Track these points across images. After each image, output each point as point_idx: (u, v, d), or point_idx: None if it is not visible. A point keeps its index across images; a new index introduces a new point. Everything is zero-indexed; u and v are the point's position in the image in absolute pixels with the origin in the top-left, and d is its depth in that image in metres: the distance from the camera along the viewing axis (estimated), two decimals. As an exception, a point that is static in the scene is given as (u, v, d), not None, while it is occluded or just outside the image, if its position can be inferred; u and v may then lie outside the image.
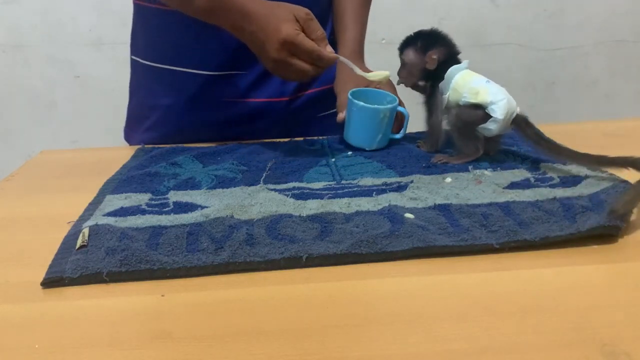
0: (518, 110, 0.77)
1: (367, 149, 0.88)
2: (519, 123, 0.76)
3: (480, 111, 0.77)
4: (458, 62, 0.82)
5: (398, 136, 0.91)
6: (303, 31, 0.79)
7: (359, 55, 1.01)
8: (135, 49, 1.03)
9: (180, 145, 0.94)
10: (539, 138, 0.76)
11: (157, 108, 1.00)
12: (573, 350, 0.43)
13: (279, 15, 0.79)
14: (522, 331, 0.46)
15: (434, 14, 1.97)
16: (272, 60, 0.80)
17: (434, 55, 0.82)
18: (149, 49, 0.99)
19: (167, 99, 0.98)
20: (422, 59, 0.83)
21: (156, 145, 0.96)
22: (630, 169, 0.68)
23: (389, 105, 0.87)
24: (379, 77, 0.86)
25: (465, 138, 0.79)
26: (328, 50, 0.81)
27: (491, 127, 0.76)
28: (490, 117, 0.76)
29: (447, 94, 0.80)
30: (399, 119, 0.92)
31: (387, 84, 0.94)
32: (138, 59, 1.02)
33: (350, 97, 0.87)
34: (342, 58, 0.83)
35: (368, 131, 0.88)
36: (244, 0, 0.81)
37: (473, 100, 0.77)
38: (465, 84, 0.78)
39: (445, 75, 0.80)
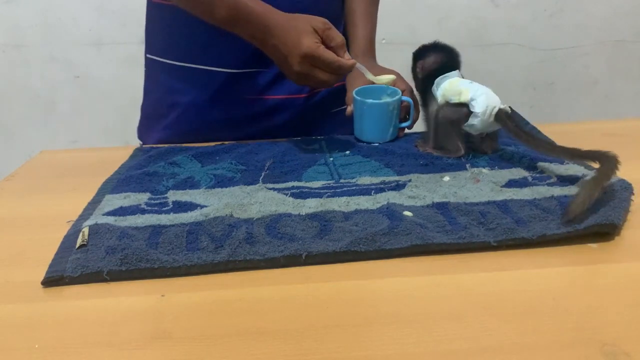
0: (502, 105, 0.78)
1: (381, 142, 0.91)
2: (501, 117, 0.78)
3: (464, 109, 0.80)
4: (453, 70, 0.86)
5: (406, 124, 0.94)
6: (322, 41, 0.82)
7: (370, 53, 1.03)
8: (151, 47, 1.03)
9: (178, 145, 0.94)
10: (518, 130, 0.77)
11: (177, 106, 1.00)
12: (573, 350, 0.43)
13: (299, 29, 0.81)
14: (522, 331, 0.46)
15: (434, 14, 1.97)
16: (295, 73, 0.83)
17: (419, 67, 0.89)
18: (168, 48, 1.00)
19: (187, 96, 0.99)
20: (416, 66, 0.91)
21: (154, 145, 0.96)
22: (598, 162, 0.68)
23: (395, 97, 0.90)
24: (386, 80, 0.90)
25: (448, 135, 0.82)
26: (346, 57, 0.83)
27: (474, 122, 0.79)
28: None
29: (439, 99, 0.83)
30: (405, 109, 0.94)
31: (400, 79, 0.96)
32: (155, 58, 1.02)
33: (356, 96, 0.90)
34: (358, 65, 0.86)
35: (381, 126, 0.91)
36: (263, 12, 0.83)
37: (456, 100, 0.80)
38: (452, 88, 0.82)
39: (435, 82, 0.84)
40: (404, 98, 0.92)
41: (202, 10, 0.88)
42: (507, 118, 0.77)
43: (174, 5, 0.93)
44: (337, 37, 0.82)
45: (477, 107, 0.78)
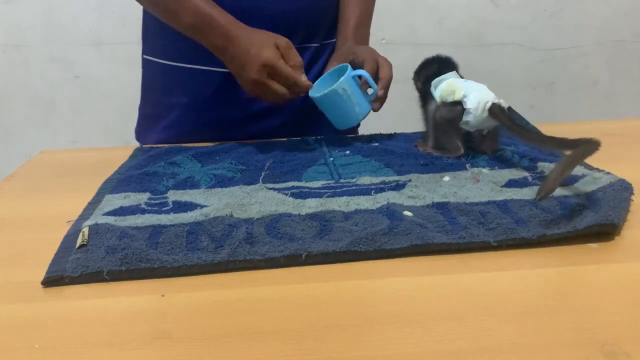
0: (496, 100, 0.78)
1: (355, 124, 0.92)
2: (495, 111, 0.77)
3: (459, 107, 0.80)
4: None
5: (372, 96, 0.91)
6: (282, 58, 0.85)
7: (353, 39, 1.02)
8: (148, 48, 1.03)
9: (178, 145, 0.94)
10: (511, 124, 0.77)
11: (175, 107, 1.00)
12: (573, 350, 0.43)
13: (262, 41, 0.85)
14: (522, 331, 0.46)
15: (434, 14, 1.97)
16: (251, 81, 0.86)
17: (418, 81, 0.91)
18: (165, 49, 1.00)
19: (184, 97, 0.99)
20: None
21: (154, 145, 0.96)
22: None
23: (341, 79, 0.87)
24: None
25: (447, 135, 0.83)
26: (303, 78, 0.87)
27: (468, 118, 0.79)
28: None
29: (437, 100, 0.84)
30: (365, 84, 0.92)
31: (365, 51, 0.95)
32: (152, 58, 1.02)
33: (310, 95, 0.90)
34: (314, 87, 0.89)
35: (344, 111, 0.90)
36: (228, 22, 0.87)
37: (451, 99, 0.81)
38: (447, 88, 0.83)
39: (432, 83, 0.85)
40: (356, 72, 0.89)
41: (167, 16, 0.91)
42: (500, 112, 0.77)
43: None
44: (296, 58, 0.86)
45: (469, 104, 0.78)
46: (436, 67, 0.88)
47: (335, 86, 0.87)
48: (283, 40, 0.86)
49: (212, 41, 0.88)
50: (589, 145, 0.65)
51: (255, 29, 0.87)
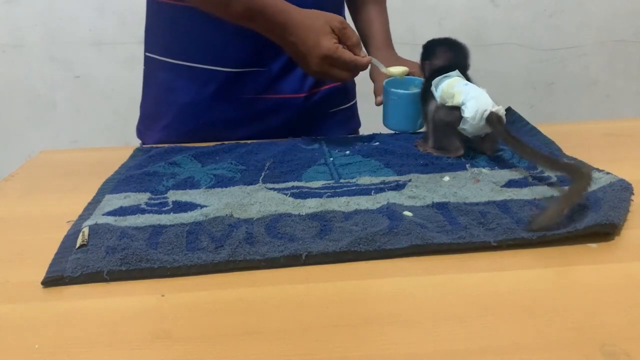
0: (495, 109, 0.77)
1: (410, 131, 0.95)
2: (492, 121, 0.77)
3: (457, 112, 0.80)
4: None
5: None
6: (339, 40, 0.85)
7: (389, 42, 1.08)
8: (150, 45, 1.03)
9: (178, 145, 0.94)
10: (507, 135, 0.76)
11: (176, 105, 1.00)
12: (573, 350, 0.43)
13: (317, 29, 0.84)
14: (522, 331, 0.46)
15: (434, 14, 1.97)
16: (314, 71, 0.86)
17: (425, 66, 0.91)
18: (167, 46, 0.99)
19: (186, 96, 0.99)
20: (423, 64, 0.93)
21: (154, 145, 0.96)
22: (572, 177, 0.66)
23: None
24: (398, 72, 0.93)
25: (446, 136, 0.83)
26: (362, 54, 0.87)
27: (465, 126, 0.79)
28: None
29: (437, 100, 0.84)
30: None
31: (420, 70, 0.99)
32: (154, 56, 1.02)
33: (387, 87, 0.94)
34: (373, 60, 0.90)
35: (411, 115, 0.95)
36: (281, 9, 0.85)
37: (450, 103, 0.81)
38: (448, 90, 0.82)
39: (433, 83, 0.85)
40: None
41: (218, 8, 0.89)
42: (497, 121, 0.77)
43: (179, 3, 0.93)
44: (353, 36, 0.86)
45: (467, 112, 0.78)
46: (446, 57, 0.88)
47: (418, 91, 0.91)
48: (337, 21, 0.85)
49: (268, 30, 0.87)
50: (583, 180, 0.63)
51: (308, 11, 0.86)
